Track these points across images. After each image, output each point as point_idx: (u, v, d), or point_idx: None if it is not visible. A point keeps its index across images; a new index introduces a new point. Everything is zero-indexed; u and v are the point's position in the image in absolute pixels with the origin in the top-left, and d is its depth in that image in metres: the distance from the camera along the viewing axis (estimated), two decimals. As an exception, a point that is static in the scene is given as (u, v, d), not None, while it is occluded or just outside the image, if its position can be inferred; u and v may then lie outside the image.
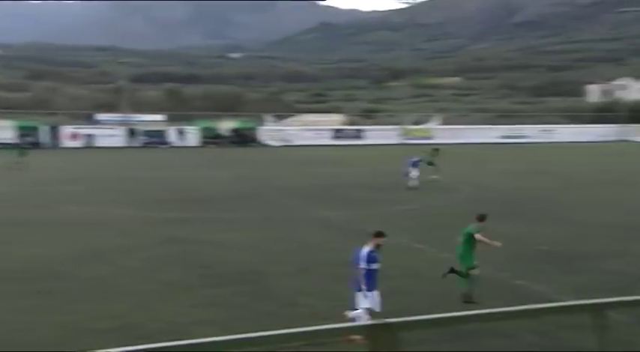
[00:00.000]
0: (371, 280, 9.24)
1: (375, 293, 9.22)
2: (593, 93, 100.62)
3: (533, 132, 66.87)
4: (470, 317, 3.01)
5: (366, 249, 9.40)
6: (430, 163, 31.18)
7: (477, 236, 11.59)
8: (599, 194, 26.22)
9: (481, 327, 8.56)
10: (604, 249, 16.01)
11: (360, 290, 9.18)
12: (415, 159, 28.45)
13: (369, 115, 79.59)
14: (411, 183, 27.51)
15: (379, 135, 64.56)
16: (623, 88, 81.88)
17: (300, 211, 22.28)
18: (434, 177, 30.02)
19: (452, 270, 11.77)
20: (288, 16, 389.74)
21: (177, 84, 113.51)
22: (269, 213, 21.67)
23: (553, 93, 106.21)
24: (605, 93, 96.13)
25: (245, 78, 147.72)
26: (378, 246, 9.53)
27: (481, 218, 12.05)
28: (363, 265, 9.24)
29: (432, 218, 20.54)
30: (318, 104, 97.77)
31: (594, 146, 58.27)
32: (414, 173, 27.82)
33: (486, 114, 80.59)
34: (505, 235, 17.74)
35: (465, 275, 11.53)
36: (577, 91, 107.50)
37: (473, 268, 11.55)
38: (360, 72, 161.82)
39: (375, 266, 9.24)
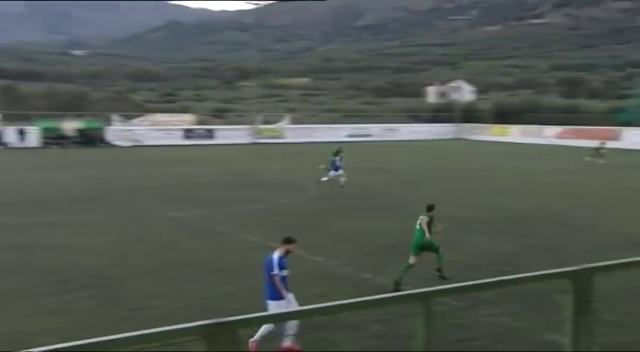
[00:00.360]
0: (284, 286, 9.19)
1: (291, 296, 9.14)
2: (432, 94, 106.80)
3: (377, 131, 69.72)
4: (313, 311, 3.16)
5: (275, 256, 9.32)
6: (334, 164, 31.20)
7: (423, 222, 12.96)
8: (437, 188, 27.86)
9: (327, 320, 8.98)
10: (442, 241, 17.12)
11: (274, 298, 8.98)
12: (336, 158, 27.95)
13: (220, 115, 79.11)
14: (342, 181, 27.24)
15: (230, 134, 64.34)
16: (457, 89, 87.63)
17: (150, 212, 21.81)
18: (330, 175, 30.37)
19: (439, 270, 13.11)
20: (134, 14, 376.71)
21: (12, 81, 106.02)
22: (118, 215, 21.00)
23: (396, 94, 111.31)
24: (441, 94, 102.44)
25: (90, 76, 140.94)
26: (287, 252, 9.50)
27: (430, 208, 13.36)
28: (276, 271, 9.14)
29: (283, 216, 20.91)
30: (168, 104, 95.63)
31: (433, 144, 61.93)
32: (333, 173, 27.56)
33: (334, 113, 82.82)
34: (351, 230, 18.52)
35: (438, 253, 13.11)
36: (418, 92, 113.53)
37: (419, 255, 12.99)
38: (209, 71, 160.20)
39: (285, 272, 9.21)
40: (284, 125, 69.51)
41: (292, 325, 8.81)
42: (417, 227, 13.08)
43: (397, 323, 9.35)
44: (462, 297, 10.47)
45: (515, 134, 66.70)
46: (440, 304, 9.99)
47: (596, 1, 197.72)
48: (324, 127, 69.20)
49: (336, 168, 27.57)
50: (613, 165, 39.11)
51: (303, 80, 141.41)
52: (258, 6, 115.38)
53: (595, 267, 3.39)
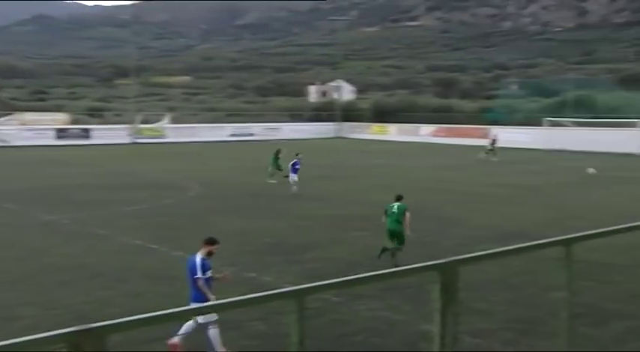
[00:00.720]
0: (209, 288, 8.97)
1: (214, 299, 8.92)
2: (313, 93, 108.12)
3: (259, 130, 69.71)
4: (189, 311, 3.11)
5: (198, 258, 9.09)
6: (276, 164, 30.60)
7: (408, 214, 14.45)
8: (319, 186, 28.27)
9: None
10: (325, 238, 17.45)
11: (199, 301, 8.63)
12: (295, 161, 26.88)
13: (96, 114, 75.95)
14: (293, 189, 26.03)
15: (108, 134, 61.97)
16: (337, 89, 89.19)
17: (20, 216, 20.64)
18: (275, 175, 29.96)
19: (386, 249, 14.51)
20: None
21: None
22: (-17, 222, 19.71)
23: (278, 93, 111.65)
24: (322, 93, 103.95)
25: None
26: (209, 254, 9.27)
27: (400, 197, 14.97)
28: (200, 275, 8.95)
29: (163, 217, 20.47)
30: (39, 102, 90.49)
31: (314, 142, 62.74)
32: (292, 176, 26.36)
33: (216, 113, 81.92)
34: (234, 230, 18.43)
35: (393, 253, 14.43)
36: (299, 92, 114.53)
37: (402, 244, 14.54)
38: (84, 69, 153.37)
39: (209, 273, 9.01)
40: (165, 124, 67.94)
41: (188, 325, 8.71)
42: (395, 211, 14.55)
43: (279, 321, 9.41)
44: (342, 293, 10.72)
45: (393, 133, 68.88)
46: (320, 300, 10.17)
47: (465, 6, 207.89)
48: (206, 127, 68.34)
49: (295, 171, 26.35)
50: (484, 162, 41.34)
51: (184, 79, 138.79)
52: (134, 2, 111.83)
53: (460, 259, 3.59)
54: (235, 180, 30.70)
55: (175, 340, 8.87)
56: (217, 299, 7.86)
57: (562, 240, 4.51)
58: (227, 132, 67.57)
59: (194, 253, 9.35)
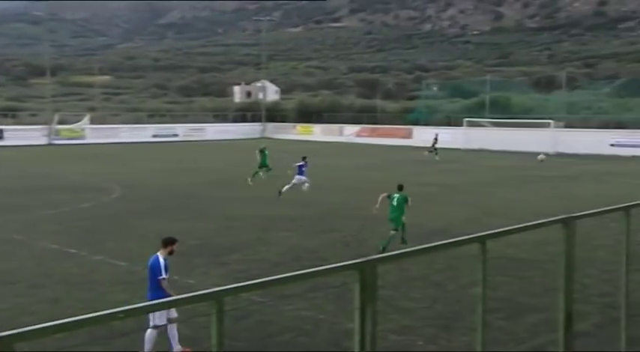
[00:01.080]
0: (170, 289, 8.90)
1: None
2: (238, 93, 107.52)
3: (183, 131, 68.77)
4: (105, 317, 3.05)
5: (161, 259, 9.09)
6: (264, 164, 30.53)
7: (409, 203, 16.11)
8: (244, 187, 28.16)
9: (133, 326, 8.71)
10: (251, 239, 17.40)
11: None
12: (301, 164, 26.22)
13: (10, 114, 72.94)
14: (305, 187, 25.61)
15: (22, 135, 59.65)
16: (262, 89, 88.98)
17: None
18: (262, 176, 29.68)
19: (403, 240, 15.72)
20: None
21: None
22: None
23: (202, 94, 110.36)
24: (247, 94, 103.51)
25: None
26: (171, 253, 9.33)
27: (401, 187, 16.57)
28: (164, 275, 8.98)
29: (83, 221, 19.90)
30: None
31: (239, 143, 62.39)
32: (298, 178, 25.76)
33: (138, 113, 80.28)
34: (157, 232, 18.09)
35: (402, 238, 15.73)
36: (223, 92, 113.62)
37: (403, 226, 15.93)
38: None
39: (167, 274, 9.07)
40: (84, 125, 65.95)
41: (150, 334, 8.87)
42: (394, 203, 15.95)
43: (202, 324, 9.33)
44: (267, 294, 10.76)
45: (317, 133, 69.36)
46: (245, 301, 10.16)
47: (387, 8, 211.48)
48: (128, 127, 66.87)
49: (302, 172, 25.98)
50: (407, 161, 42.19)
51: (105, 78, 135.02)
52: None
53: (378, 258, 3.68)
54: (159, 182, 30.14)
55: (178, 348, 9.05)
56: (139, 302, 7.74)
57: (477, 237, 4.69)
58: (150, 132, 66.31)
59: (113, 257, 9.19)
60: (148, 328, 8.92)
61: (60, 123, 63.82)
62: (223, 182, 30.52)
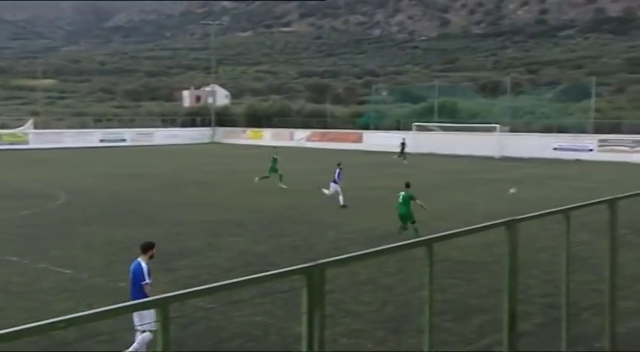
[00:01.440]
0: (153, 294, 8.64)
1: None
2: (187, 98, 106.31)
3: (131, 136, 67.65)
4: (54, 325, 2.99)
5: (144, 265, 9.11)
6: (274, 170, 30.32)
7: (418, 201, 18.04)
8: (194, 193, 27.91)
9: (76, 335, 8.51)
10: (200, 244, 17.24)
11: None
12: (338, 171, 24.67)
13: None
14: (340, 199, 23.89)
15: (-39, 140, 57.87)
16: (211, 94, 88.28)
17: None
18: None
19: (403, 228, 17.42)
20: None
21: None
22: None
23: (150, 98, 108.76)
24: (196, 98, 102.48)
25: None
26: (151, 257, 9.34)
27: (408, 185, 18.10)
28: (148, 281, 9.02)
29: (26, 228, 19.37)
30: None
31: (188, 148, 61.76)
32: (334, 187, 24.19)
33: (84, 117, 78.73)
34: (104, 239, 17.78)
35: (413, 229, 17.17)
36: (172, 96, 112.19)
37: (414, 222, 17.42)
38: None
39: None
40: (27, 129, 64.23)
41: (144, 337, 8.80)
42: (400, 200, 17.56)
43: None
44: (217, 300, 10.66)
45: (267, 137, 69.16)
46: (193, 308, 10.07)
47: (337, 13, 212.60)
48: (73, 132, 65.48)
49: (335, 181, 24.51)
50: (358, 165, 42.44)
51: (48, 82, 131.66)
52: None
53: (326, 262, 3.70)
54: (106, 188, 29.58)
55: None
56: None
57: (424, 240, 4.76)
58: (97, 137, 65.06)
59: (57, 265, 9.01)
60: (144, 332, 8.79)
61: (1, 127, 61.99)
62: (172, 187, 30.15)
